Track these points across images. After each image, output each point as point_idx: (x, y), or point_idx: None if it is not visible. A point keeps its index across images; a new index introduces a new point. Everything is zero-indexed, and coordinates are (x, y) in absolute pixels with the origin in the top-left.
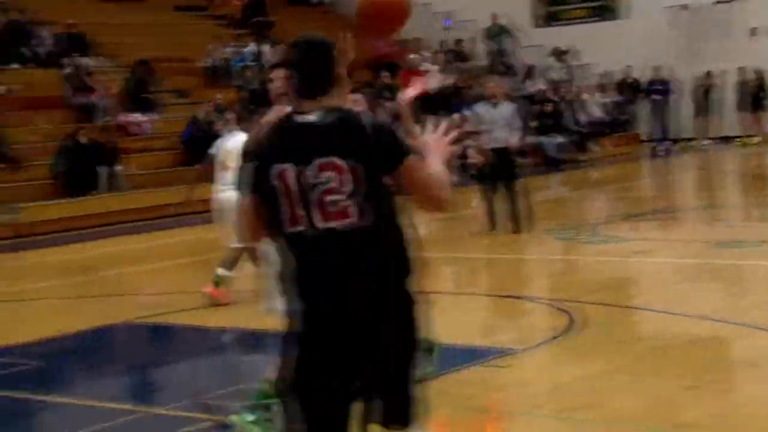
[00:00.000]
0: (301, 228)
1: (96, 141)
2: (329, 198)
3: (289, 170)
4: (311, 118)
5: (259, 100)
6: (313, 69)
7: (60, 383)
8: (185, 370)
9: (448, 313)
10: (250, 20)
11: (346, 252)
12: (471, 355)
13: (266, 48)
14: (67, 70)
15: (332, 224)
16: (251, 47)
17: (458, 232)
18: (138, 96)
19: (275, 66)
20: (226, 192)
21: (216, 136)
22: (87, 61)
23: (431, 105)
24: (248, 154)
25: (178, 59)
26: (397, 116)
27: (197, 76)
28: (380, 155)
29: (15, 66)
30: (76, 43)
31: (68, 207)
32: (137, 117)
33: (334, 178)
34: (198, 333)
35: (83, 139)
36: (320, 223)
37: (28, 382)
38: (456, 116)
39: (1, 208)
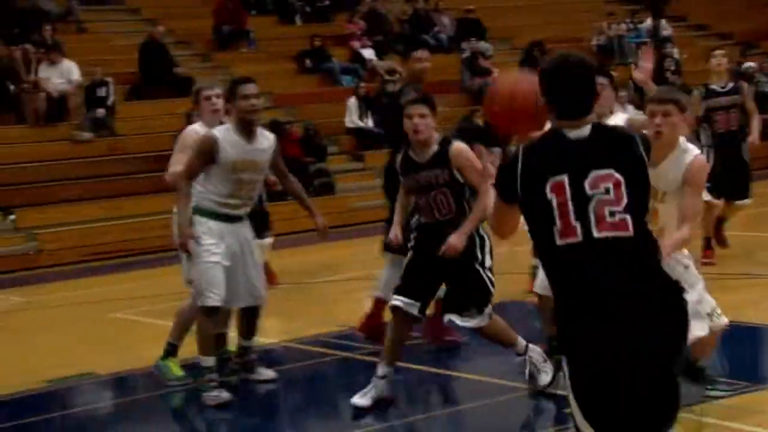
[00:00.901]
0: (574, 240)
1: (490, 122)
2: (607, 209)
3: (566, 182)
4: (584, 132)
5: (652, 77)
6: (578, 91)
7: (452, 358)
8: None
9: None
10: None
11: (621, 260)
12: None
13: (662, 23)
14: (465, 55)
15: (608, 234)
16: (647, 23)
17: None
18: None
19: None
20: None
21: None
22: (483, 45)
23: None
24: (511, 164)
25: (569, 39)
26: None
27: (587, 55)
28: (645, 168)
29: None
30: (473, 28)
31: None
32: None
33: (613, 186)
34: None
35: (478, 121)
36: (597, 234)
37: (427, 355)
38: None
39: None
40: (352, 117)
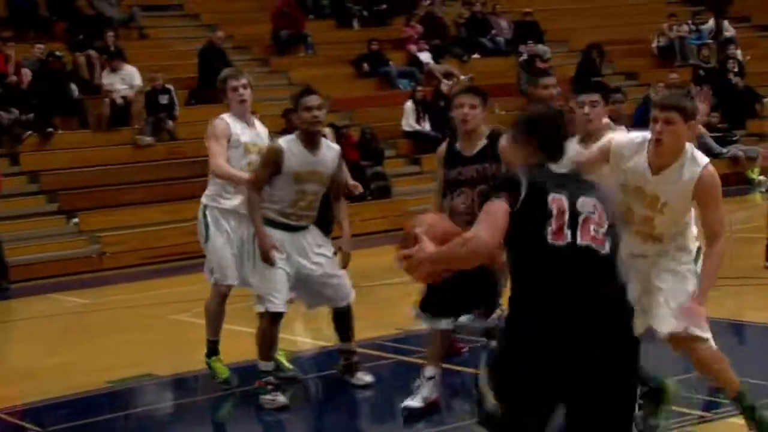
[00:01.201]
0: (562, 242)
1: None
2: (592, 226)
3: (564, 198)
4: (563, 169)
5: (715, 79)
6: (559, 138)
7: None
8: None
9: None
10: None
11: (593, 265)
12: None
13: (725, 24)
14: (523, 58)
15: (588, 243)
16: (709, 24)
17: None
18: (586, 79)
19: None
20: None
21: None
22: (541, 48)
23: None
24: (517, 180)
25: (629, 40)
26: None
27: (647, 57)
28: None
29: (476, 56)
30: (530, 30)
31: None
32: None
33: (597, 211)
34: None
35: None
36: (580, 240)
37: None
38: None
39: None
40: (409, 120)
